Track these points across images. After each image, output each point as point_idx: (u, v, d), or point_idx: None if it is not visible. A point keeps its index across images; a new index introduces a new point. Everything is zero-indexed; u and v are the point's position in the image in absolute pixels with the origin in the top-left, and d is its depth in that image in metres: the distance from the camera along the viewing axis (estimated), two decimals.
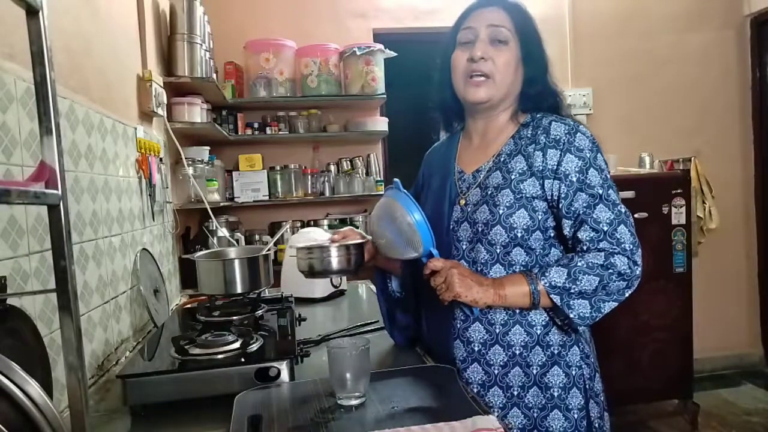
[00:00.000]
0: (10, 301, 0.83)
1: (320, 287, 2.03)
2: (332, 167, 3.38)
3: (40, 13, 0.53)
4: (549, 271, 1.09)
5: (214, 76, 2.65)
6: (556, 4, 3.57)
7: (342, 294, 2.14)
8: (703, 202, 3.60)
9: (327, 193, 3.30)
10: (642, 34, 3.67)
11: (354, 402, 0.98)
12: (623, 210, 1.12)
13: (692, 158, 3.60)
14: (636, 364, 2.93)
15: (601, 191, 1.11)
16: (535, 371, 1.14)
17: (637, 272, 1.10)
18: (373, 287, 2.29)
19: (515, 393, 1.14)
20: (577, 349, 1.16)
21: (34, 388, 0.55)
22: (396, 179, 1.16)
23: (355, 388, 0.98)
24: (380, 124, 3.28)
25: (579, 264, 1.08)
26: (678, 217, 3.03)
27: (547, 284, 1.08)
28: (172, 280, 2.20)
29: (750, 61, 3.76)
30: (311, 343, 1.44)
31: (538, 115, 1.19)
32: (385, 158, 3.60)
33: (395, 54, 3.23)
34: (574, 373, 1.15)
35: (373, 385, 1.04)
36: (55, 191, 0.54)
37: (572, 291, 1.08)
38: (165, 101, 2.13)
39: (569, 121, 1.17)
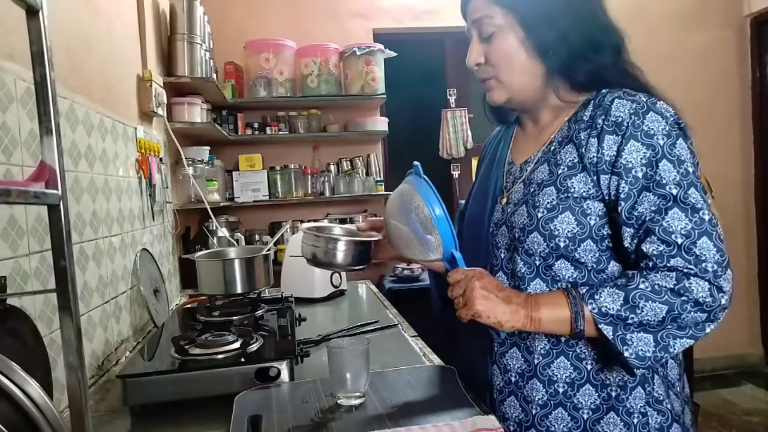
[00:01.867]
0: (10, 301, 0.83)
1: (320, 287, 2.03)
2: (332, 167, 3.38)
3: (40, 13, 0.53)
4: (600, 293, 0.86)
5: (214, 76, 2.65)
6: None
7: (342, 294, 2.14)
8: None
9: (327, 193, 3.30)
10: (642, 33, 3.65)
11: (354, 402, 0.98)
12: (707, 217, 0.85)
13: None
14: None
15: (675, 191, 0.85)
16: (585, 416, 0.92)
17: (723, 301, 0.84)
18: (373, 287, 2.29)
19: None
20: (642, 391, 0.91)
21: (34, 388, 0.55)
22: (416, 162, 0.98)
23: (355, 388, 0.98)
24: (380, 124, 3.28)
25: (641, 286, 0.84)
26: None
27: (596, 310, 0.85)
28: (172, 280, 2.20)
29: (750, 61, 3.76)
30: (311, 343, 1.44)
31: (603, 92, 0.95)
32: (385, 158, 3.60)
33: (395, 54, 3.23)
34: (636, 421, 0.91)
35: (373, 385, 1.04)
36: (55, 191, 0.54)
37: (630, 321, 0.84)
38: (165, 101, 2.13)
39: (641, 97, 0.91)
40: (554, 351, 0.94)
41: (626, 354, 0.84)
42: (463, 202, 1.23)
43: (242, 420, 0.91)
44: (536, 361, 0.95)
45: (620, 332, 0.85)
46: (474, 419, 0.88)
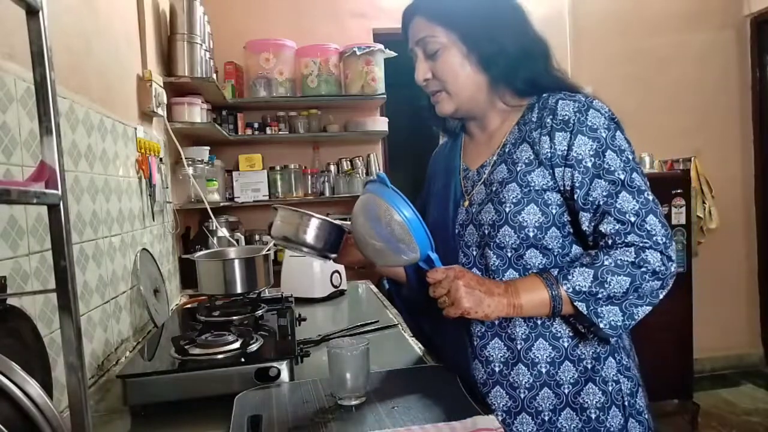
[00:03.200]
0: (10, 301, 0.83)
1: (320, 287, 2.03)
2: (332, 167, 3.38)
3: (40, 13, 0.53)
4: (572, 273, 0.94)
5: (214, 76, 2.65)
6: (556, 4, 3.58)
7: (342, 294, 2.14)
8: (703, 202, 3.60)
9: (327, 193, 3.30)
10: (642, 33, 3.67)
11: (354, 402, 0.98)
12: (651, 197, 0.96)
13: (692, 158, 3.61)
14: None
15: (622, 176, 0.96)
16: (566, 390, 0.99)
17: (672, 269, 0.95)
18: (373, 287, 2.29)
19: (546, 418, 0.99)
20: (613, 360, 1.01)
21: (34, 388, 0.54)
22: (379, 173, 1.01)
23: (355, 388, 0.98)
24: (380, 124, 3.28)
25: (606, 263, 0.93)
26: (678, 217, 3.03)
27: (570, 290, 0.93)
28: (172, 280, 2.20)
29: (750, 61, 3.77)
30: (311, 343, 1.44)
31: (544, 95, 1.04)
32: (385, 158, 3.60)
33: (395, 54, 3.23)
34: (611, 389, 1.00)
35: (373, 385, 1.04)
36: (55, 191, 0.54)
37: (600, 296, 0.92)
38: (165, 101, 2.13)
39: (580, 97, 1.01)
40: (533, 334, 1.01)
41: (601, 325, 0.93)
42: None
43: (242, 420, 0.91)
44: (519, 347, 1.01)
45: (592, 307, 0.93)
46: (474, 419, 0.88)
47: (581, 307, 0.93)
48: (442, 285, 0.95)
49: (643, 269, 0.93)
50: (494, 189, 1.03)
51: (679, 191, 3.02)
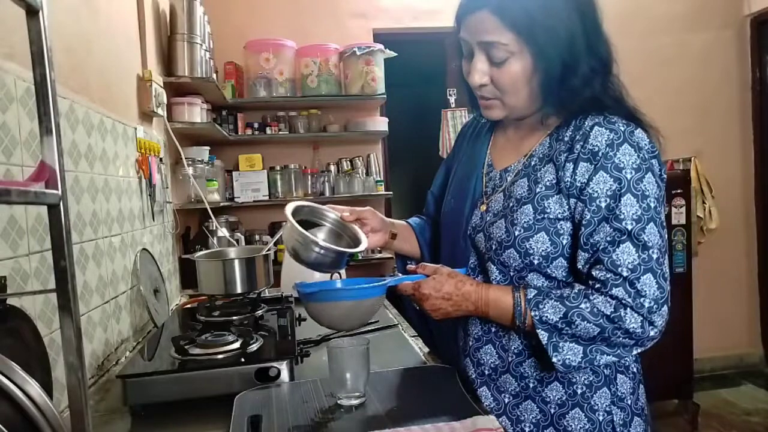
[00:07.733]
0: (10, 301, 0.83)
1: None
2: (332, 167, 3.38)
3: (40, 13, 0.53)
4: (544, 303, 0.92)
5: (214, 76, 2.65)
6: None
7: None
8: (703, 202, 3.60)
9: (327, 193, 3.30)
10: (642, 34, 3.67)
11: (354, 402, 0.98)
12: (656, 256, 0.89)
13: (692, 158, 3.61)
14: None
15: (631, 226, 0.89)
16: (552, 410, 0.98)
17: (652, 333, 0.90)
18: None
19: (526, 429, 0.99)
20: (607, 391, 0.97)
21: (34, 388, 0.54)
22: (297, 284, 1.05)
23: (355, 388, 0.98)
24: (380, 124, 3.28)
25: (582, 306, 0.90)
26: (678, 217, 3.03)
27: (537, 317, 0.92)
28: (172, 280, 2.20)
29: (750, 61, 3.77)
30: (311, 343, 1.44)
31: (584, 114, 0.98)
32: (385, 158, 3.60)
33: (395, 54, 3.23)
34: (600, 418, 0.96)
35: (373, 385, 1.04)
36: (55, 191, 0.54)
37: (564, 332, 0.91)
38: (165, 101, 2.13)
39: (619, 126, 0.93)
40: (526, 351, 1.00)
41: (554, 360, 0.92)
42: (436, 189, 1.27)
43: (242, 420, 0.91)
44: (510, 359, 1.01)
45: (554, 339, 0.92)
46: (474, 419, 0.88)
47: (542, 336, 0.92)
48: (414, 297, 1.02)
49: (616, 326, 0.89)
50: (510, 205, 1.00)
51: (679, 191, 3.02)
